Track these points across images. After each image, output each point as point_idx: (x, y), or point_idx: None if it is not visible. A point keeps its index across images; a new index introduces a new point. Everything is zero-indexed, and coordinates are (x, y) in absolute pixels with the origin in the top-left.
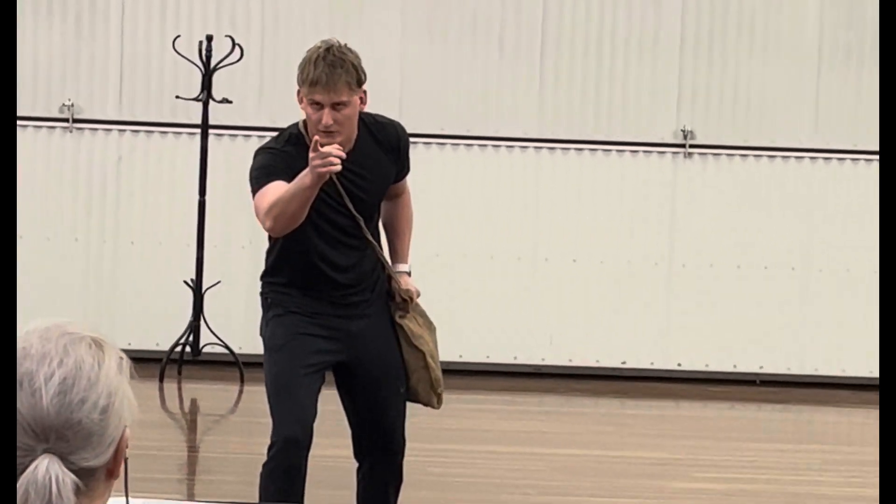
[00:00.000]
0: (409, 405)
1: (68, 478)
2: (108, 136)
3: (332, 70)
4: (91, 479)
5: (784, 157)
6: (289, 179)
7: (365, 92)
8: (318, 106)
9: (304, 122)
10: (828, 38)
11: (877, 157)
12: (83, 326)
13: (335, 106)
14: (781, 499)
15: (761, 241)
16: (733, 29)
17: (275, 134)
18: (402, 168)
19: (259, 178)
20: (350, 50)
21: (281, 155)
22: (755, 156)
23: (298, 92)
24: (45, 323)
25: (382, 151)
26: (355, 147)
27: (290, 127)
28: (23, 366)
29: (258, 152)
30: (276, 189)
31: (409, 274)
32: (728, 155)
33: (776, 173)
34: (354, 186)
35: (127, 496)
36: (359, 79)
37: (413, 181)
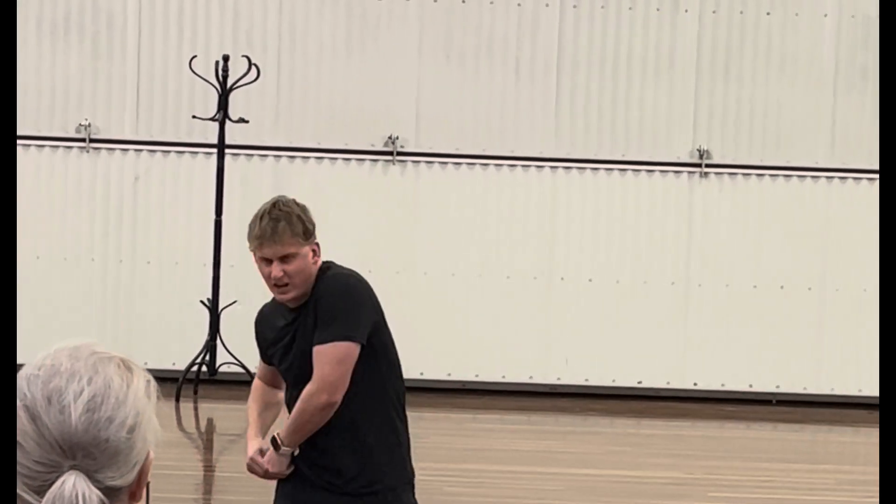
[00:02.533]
0: (423, 426)
1: (94, 494)
2: (125, 155)
3: (275, 224)
4: (115, 499)
5: (800, 176)
6: (262, 355)
7: (317, 244)
8: (268, 261)
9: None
10: (844, 58)
11: None
12: (111, 348)
13: (283, 259)
14: None
15: (777, 261)
16: (749, 49)
17: None
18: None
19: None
20: (297, 203)
21: (263, 321)
22: (771, 175)
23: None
24: (75, 342)
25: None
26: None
27: None
28: (51, 383)
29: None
30: (260, 370)
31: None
32: (744, 175)
33: (792, 193)
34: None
35: None
36: (305, 230)
37: (430, 200)
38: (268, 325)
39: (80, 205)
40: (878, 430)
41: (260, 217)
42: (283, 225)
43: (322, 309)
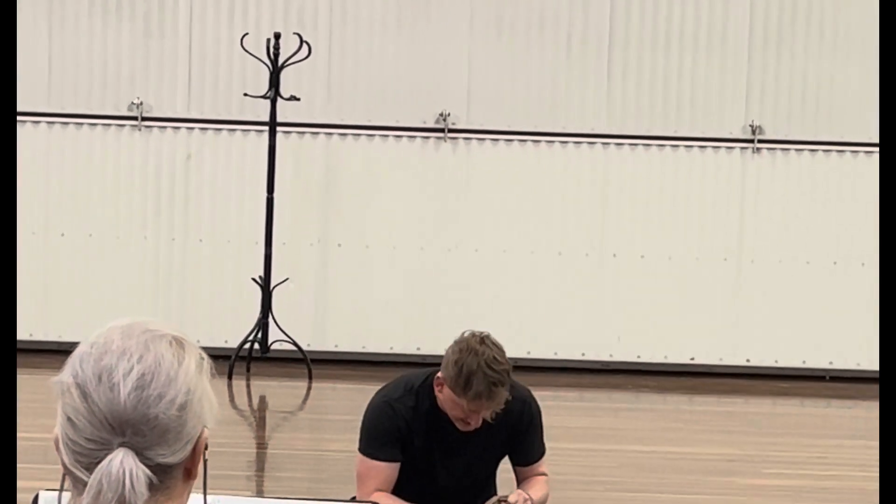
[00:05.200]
0: None
1: (142, 472)
2: (177, 133)
3: (494, 388)
4: (167, 476)
5: (853, 151)
6: (393, 452)
7: None
8: (473, 412)
9: (436, 383)
10: None
11: None
12: (165, 325)
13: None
14: (850, 495)
15: (830, 237)
16: (802, 23)
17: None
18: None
19: (370, 442)
20: (498, 347)
21: (396, 416)
22: (824, 150)
23: (439, 379)
24: (127, 320)
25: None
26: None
27: (419, 377)
28: (102, 360)
29: (377, 403)
30: (381, 476)
31: None
32: (797, 150)
33: (845, 168)
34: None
35: (205, 496)
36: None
37: (481, 177)
38: (413, 430)
39: (133, 183)
40: None
41: (473, 372)
42: (501, 391)
43: (533, 427)
